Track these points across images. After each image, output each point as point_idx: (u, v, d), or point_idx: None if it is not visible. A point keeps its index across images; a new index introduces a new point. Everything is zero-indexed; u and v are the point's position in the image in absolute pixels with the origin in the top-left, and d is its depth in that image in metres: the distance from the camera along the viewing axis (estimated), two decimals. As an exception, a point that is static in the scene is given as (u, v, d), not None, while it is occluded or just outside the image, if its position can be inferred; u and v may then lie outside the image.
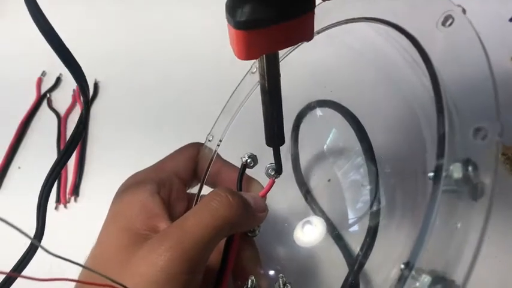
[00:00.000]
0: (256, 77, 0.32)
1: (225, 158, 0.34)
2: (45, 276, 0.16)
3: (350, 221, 0.35)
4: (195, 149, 0.33)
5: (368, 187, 0.34)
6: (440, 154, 0.18)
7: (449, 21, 0.20)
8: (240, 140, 0.34)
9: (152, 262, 0.22)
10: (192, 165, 0.32)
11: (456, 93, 0.19)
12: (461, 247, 0.17)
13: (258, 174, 0.32)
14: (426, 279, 0.17)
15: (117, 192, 0.29)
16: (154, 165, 0.31)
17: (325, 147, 0.40)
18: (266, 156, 0.30)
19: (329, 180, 0.38)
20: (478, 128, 0.18)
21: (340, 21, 0.29)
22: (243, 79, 0.35)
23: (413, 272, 0.17)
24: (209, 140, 0.34)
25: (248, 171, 0.32)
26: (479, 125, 0.18)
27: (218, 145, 0.33)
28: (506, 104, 0.49)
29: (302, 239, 0.34)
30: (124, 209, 0.28)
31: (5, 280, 0.20)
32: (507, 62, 0.51)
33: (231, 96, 0.35)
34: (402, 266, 0.18)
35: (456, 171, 0.17)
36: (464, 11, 0.20)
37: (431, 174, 0.18)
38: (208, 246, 0.24)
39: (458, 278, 0.17)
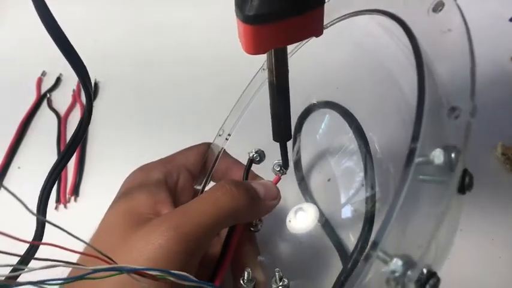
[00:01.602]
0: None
1: (234, 152, 0.34)
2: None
3: (347, 219, 0.36)
4: (206, 146, 0.34)
5: (365, 186, 0.34)
6: (415, 137, 0.17)
7: (440, 7, 0.20)
8: (250, 136, 0.35)
9: (151, 240, 0.23)
10: (201, 159, 0.33)
11: (439, 78, 0.19)
12: (438, 235, 0.17)
13: (266, 170, 0.32)
14: (398, 263, 0.16)
15: (125, 180, 0.30)
16: (164, 157, 0.32)
17: (325, 145, 0.40)
18: (275, 152, 0.30)
19: (329, 180, 0.39)
20: (453, 107, 0.18)
21: (340, 16, 0.29)
22: (254, 76, 0.35)
23: (382, 254, 0.17)
24: (219, 135, 0.34)
25: (256, 166, 0.32)
26: (454, 105, 0.18)
27: (227, 139, 0.33)
28: (506, 103, 0.49)
29: (295, 225, 0.34)
30: (131, 194, 0.28)
31: (29, 249, 0.21)
32: (507, 62, 0.51)
33: (243, 92, 0.35)
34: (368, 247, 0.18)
35: (437, 157, 0.17)
36: None
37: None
38: (208, 233, 0.25)
39: (431, 264, 0.17)
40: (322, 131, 0.40)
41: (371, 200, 0.33)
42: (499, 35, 0.53)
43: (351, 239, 0.35)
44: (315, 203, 0.38)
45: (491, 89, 0.48)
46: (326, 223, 0.36)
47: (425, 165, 0.17)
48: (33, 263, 0.16)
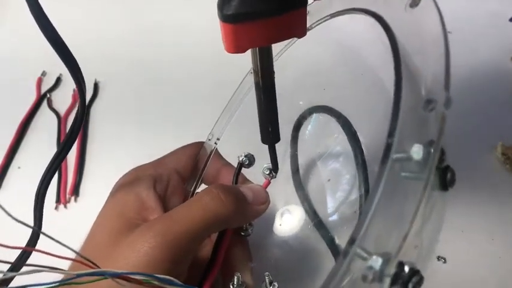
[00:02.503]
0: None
1: (224, 156, 0.34)
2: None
3: (341, 219, 0.36)
4: (197, 147, 0.34)
5: (358, 185, 0.34)
6: (391, 133, 0.17)
7: (417, 2, 0.20)
8: (240, 139, 0.35)
9: (137, 247, 0.23)
10: (192, 162, 0.33)
11: (417, 73, 0.19)
12: (417, 232, 0.17)
13: (256, 174, 0.32)
14: (378, 260, 0.16)
15: (116, 183, 0.30)
16: (156, 160, 0.32)
17: (319, 148, 0.40)
18: (265, 156, 0.30)
19: (329, 180, 0.39)
20: (428, 100, 0.18)
21: (323, 17, 0.29)
22: (243, 79, 0.35)
23: (362, 252, 0.16)
24: (209, 139, 0.34)
25: (246, 170, 0.32)
26: (429, 97, 0.18)
27: (216, 143, 0.33)
28: (506, 103, 0.49)
29: (281, 227, 0.34)
30: (120, 198, 0.28)
31: (21, 255, 0.21)
32: (507, 62, 0.51)
33: (232, 96, 0.35)
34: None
35: (416, 153, 0.17)
36: None
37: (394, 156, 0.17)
38: (195, 239, 0.25)
39: (415, 262, 0.17)
40: (315, 134, 0.40)
41: (364, 200, 0.33)
42: (499, 35, 0.53)
43: (346, 239, 0.35)
44: (309, 203, 0.38)
45: (492, 89, 0.48)
46: (320, 224, 0.36)
47: (407, 162, 0.17)
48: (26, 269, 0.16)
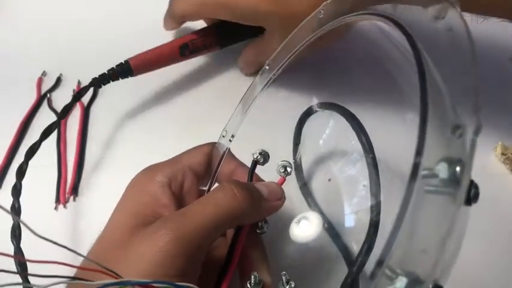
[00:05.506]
0: (269, 74, 0.32)
1: (238, 153, 0.34)
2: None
3: (351, 224, 0.36)
4: (211, 146, 0.34)
5: (368, 187, 0.34)
6: (419, 152, 0.17)
7: (442, 14, 0.20)
8: (254, 136, 0.35)
9: (152, 242, 0.23)
10: (207, 160, 0.33)
11: (442, 90, 0.19)
12: (444, 248, 0.16)
13: (271, 171, 0.32)
14: (403, 280, 0.16)
15: (131, 180, 0.30)
16: (171, 158, 0.32)
17: (329, 149, 0.40)
18: (279, 153, 0.30)
19: (329, 180, 0.39)
20: (456, 125, 0.17)
21: (343, 17, 0.29)
22: (255, 77, 0.35)
23: (387, 271, 0.16)
24: (223, 136, 0.34)
25: (260, 168, 0.32)
26: (458, 122, 0.17)
27: (230, 140, 0.33)
28: (506, 103, 0.49)
29: (298, 234, 0.34)
30: (135, 196, 0.29)
31: None
32: (507, 62, 0.51)
33: (246, 92, 0.35)
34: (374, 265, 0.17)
35: (442, 171, 0.17)
36: (457, 2, 0.19)
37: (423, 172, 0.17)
38: (208, 234, 0.25)
39: (438, 278, 0.16)
40: (325, 134, 0.40)
41: (376, 209, 0.33)
42: (499, 35, 0.53)
43: (355, 243, 0.35)
44: (318, 207, 0.38)
45: (491, 89, 0.48)
46: (330, 227, 0.36)
47: (430, 178, 0.17)
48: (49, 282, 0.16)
